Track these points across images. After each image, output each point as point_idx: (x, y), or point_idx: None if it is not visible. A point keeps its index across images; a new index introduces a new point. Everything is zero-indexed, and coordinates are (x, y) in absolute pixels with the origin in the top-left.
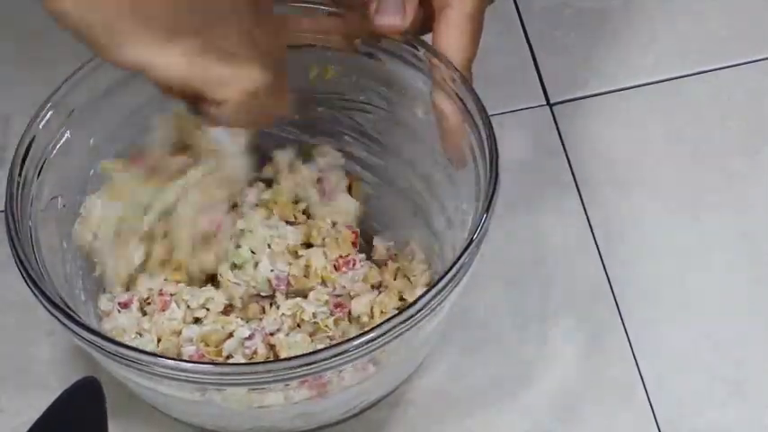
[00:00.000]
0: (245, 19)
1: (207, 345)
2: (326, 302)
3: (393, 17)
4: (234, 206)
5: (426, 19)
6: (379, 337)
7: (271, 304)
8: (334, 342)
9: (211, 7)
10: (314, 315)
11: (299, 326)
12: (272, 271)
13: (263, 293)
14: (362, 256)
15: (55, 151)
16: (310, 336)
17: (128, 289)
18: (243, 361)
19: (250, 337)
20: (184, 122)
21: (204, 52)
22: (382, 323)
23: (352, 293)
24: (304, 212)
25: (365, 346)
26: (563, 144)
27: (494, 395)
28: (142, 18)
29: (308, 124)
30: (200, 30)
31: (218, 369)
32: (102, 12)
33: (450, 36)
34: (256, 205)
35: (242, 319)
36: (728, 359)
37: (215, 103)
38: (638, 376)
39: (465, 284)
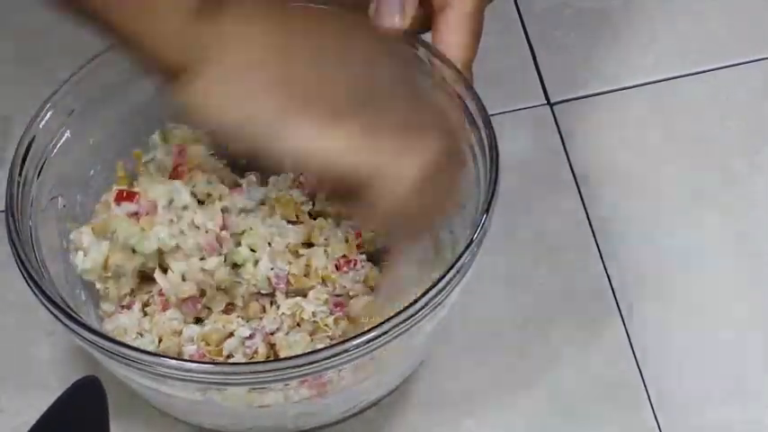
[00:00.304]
0: (403, 105)
1: (207, 344)
2: (326, 302)
3: (392, 18)
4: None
5: (426, 18)
6: (378, 336)
7: (271, 303)
8: (333, 342)
9: (369, 91)
10: (313, 314)
11: (298, 325)
12: (271, 269)
13: (263, 291)
14: (363, 256)
15: (55, 151)
16: (310, 335)
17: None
18: (243, 360)
19: (251, 337)
20: (184, 139)
21: (369, 131)
22: (382, 323)
23: (351, 293)
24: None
25: (365, 346)
26: (563, 144)
27: (494, 395)
28: (300, 105)
29: None
30: (362, 111)
31: (219, 369)
32: (250, 107)
33: (451, 35)
34: (261, 203)
35: (242, 318)
36: (728, 359)
37: (376, 195)
38: (639, 376)
39: (465, 284)
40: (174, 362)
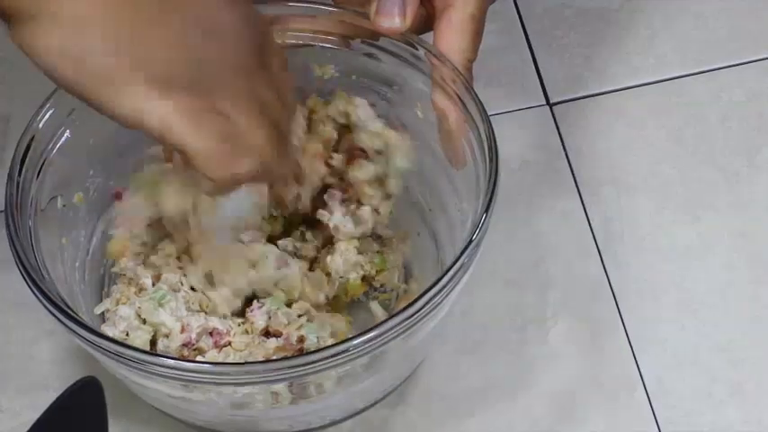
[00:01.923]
0: (253, 78)
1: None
2: None
3: (393, 19)
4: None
5: (427, 18)
6: (378, 336)
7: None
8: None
9: (213, 62)
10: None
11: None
12: None
13: None
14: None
15: (54, 151)
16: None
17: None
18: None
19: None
20: None
21: (203, 115)
22: (382, 323)
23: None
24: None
25: (365, 346)
26: (563, 144)
27: (494, 395)
28: (128, 66)
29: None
30: (200, 85)
31: (219, 369)
32: (85, 62)
33: (452, 36)
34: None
35: None
36: (728, 359)
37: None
38: (639, 376)
39: (465, 284)
40: (172, 362)
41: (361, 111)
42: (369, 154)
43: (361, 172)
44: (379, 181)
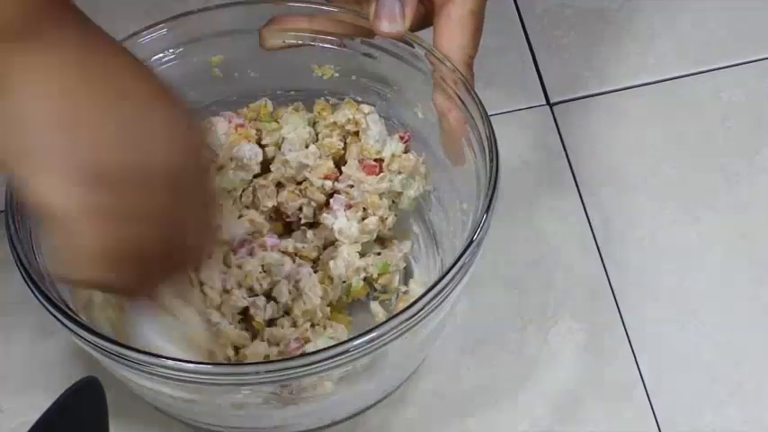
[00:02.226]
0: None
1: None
2: None
3: (392, 21)
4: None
5: (426, 15)
6: (379, 337)
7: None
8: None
9: (136, 171)
10: None
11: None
12: None
13: None
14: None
15: None
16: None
17: None
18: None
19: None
20: None
21: (101, 206)
22: (383, 323)
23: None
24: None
25: (366, 346)
26: (563, 144)
27: (494, 395)
28: (52, 155)
29: None
30: (112, 186)
31: (219, 369)
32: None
33: (452, 33)
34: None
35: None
36: (728, 359)
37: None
38: (639, 376)
39: (465, 284)
40: (172, 362)
41: (370, 119)
42: (381, 167)
43: (376, 186)
44: (391, 193)
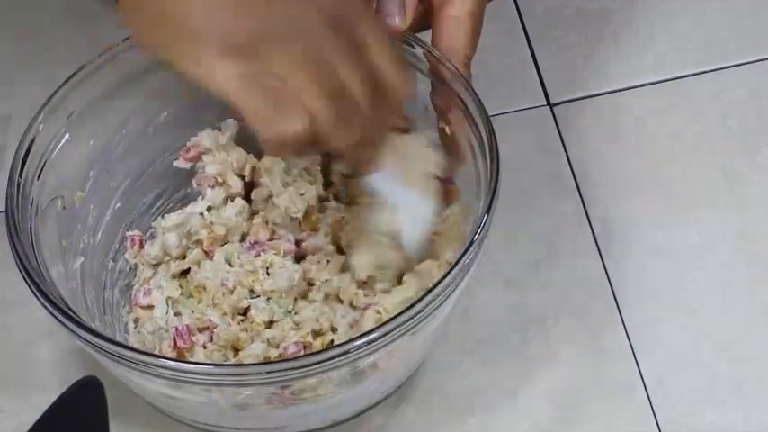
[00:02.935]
0: (320, 42)
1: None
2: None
3: (393, 19)
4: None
5: (425, 15)
6: (381, 337)
7: None
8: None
9: (273, 24)
10: None
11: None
12: None
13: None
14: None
15: (55, 153)
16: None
17: None
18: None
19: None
20: None
21: (255, 80)
22: (383, 323)
23: None
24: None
25: (366, 347)
26: (563, 144)
27: (494, 395)
28: (207, 32)
29: None
30: (256, 47)
31: (219, 369)
32: (167, 19)
33: (451, 33)
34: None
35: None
36: (728, 359)
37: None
38: (638, 376)
39: (466, 284)
40: (172, 362)
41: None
42: None
43: None
44: None
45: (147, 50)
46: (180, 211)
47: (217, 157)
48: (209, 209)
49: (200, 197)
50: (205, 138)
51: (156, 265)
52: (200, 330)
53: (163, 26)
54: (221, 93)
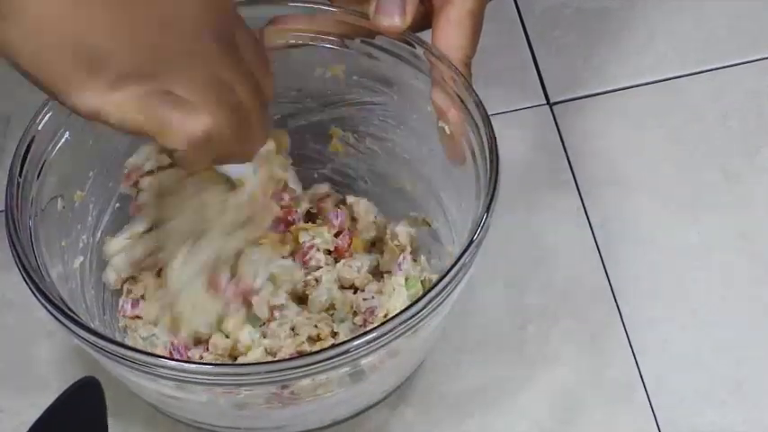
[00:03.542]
0: (213, 62)
1: None
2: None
3: (393, 18)
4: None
5: (426, 15)
6: (379, 337)
7: None
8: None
9: (169, 50)
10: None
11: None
12: None
13: None
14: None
15: (55, 152)
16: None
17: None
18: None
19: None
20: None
21: (155, 96)
22: (383, 323)
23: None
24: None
25: (366, 347)
26: (563, 144)
27: (494, 395)
28: (87, 62)
29: (309, 124)
30: (155, 73)
31: (219, 369)
32: (48, 59)
33: (451, 33)
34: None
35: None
36: (728, 359)
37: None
38: (638, 376)
39: (465, 284)
40: (173, 362)
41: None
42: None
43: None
44: None
45: (28, 79)
46: (124, 231)
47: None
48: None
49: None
50: (142, 159)
51: (130, 279)
52: (195, 345)
53: (41, 57)
54: (117, 123)
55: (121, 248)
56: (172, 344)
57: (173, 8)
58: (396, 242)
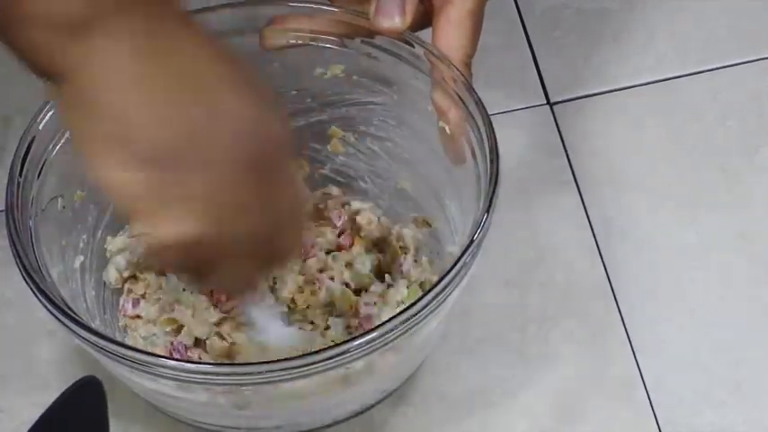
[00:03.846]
0: (232, 183)
1: None
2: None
3: (393, 18)
4: None
5: (425, 15)
6: (380, 337)
7: None
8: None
9: (196, 151)
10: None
11: None
12: None
13: None
14: None
15: (55, 151)
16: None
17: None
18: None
19: None
20: None
21: (164, 188)
22: (383, 323)
23: None
24: None
25: (366, 347)
26: (563, 144)
27: (494, 395)
28: (127, 140)
29: (308, 124)
30: (174, 167)
31: (219, 369)
32: (92, 122)
33: (451, 33)
34: None
35: None
36: (728, 359)
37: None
38: (639, 376)
39: (465, 284)
40: (172, 362)
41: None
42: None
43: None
44: None
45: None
46: (126, 230)
47: None
48: None
49: None
50: None
51: (131, 279)
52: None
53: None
54: (118, 195)
55: (124, 247)
56: (172, 344)
57: (221, 119)
58: (401, 243)
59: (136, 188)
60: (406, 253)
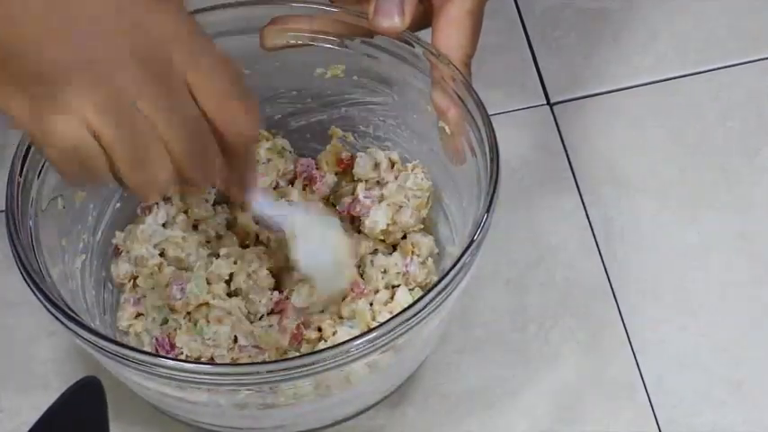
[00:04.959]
0: (118, 78)
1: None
2: None
3: (392, 18)
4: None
5: (425, 14)
6: (380, 337)
7: None
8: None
9: (75, 56)
10: None
11: None
12: None
13: None
14: None
15: None
16: None
17: None
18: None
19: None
20: None
21: (42, 101)
22: (383, 323)
23: None
24: None
25: (366, 346)
26: (563, 144)
27: (494, 395)
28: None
29: (308, 124)
30: (54, 80)
31: (219, 369)
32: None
33: (450, 32)
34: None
35: None
36: (728, 359)
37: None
38: (639, 376)
39: (465, 284)
40: (172, 362)
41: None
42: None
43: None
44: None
45: None
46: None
47: None
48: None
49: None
50: None
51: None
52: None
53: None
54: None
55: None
56: (156, 339)
57: (93, 15)
58: (415, 250)
59: (24, 111)
60: (418, 256)
